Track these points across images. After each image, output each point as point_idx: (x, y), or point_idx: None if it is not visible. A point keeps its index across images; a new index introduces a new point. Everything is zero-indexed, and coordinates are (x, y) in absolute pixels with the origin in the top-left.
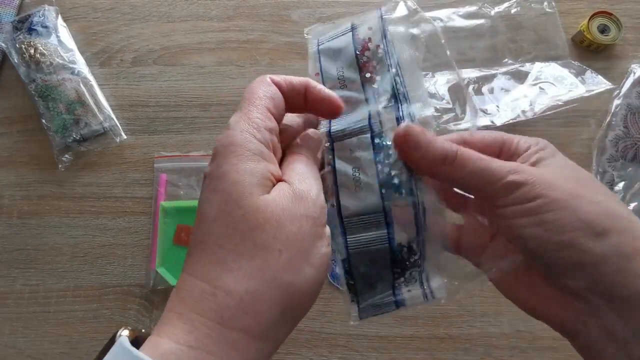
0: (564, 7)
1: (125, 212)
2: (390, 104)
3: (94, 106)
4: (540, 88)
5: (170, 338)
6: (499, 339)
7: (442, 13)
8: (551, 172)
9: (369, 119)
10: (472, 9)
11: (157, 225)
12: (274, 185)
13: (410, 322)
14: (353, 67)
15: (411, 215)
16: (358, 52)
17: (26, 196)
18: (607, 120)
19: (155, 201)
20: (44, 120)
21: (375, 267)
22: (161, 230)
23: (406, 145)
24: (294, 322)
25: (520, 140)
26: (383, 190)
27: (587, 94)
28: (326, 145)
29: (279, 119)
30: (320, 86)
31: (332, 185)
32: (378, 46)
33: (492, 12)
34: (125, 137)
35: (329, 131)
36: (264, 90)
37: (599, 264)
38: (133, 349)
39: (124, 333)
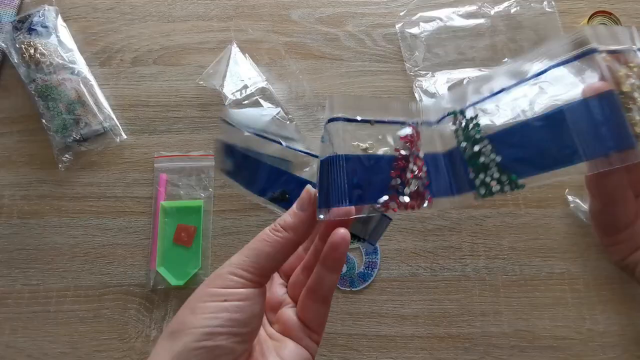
0: (563, 6)
1: (125, 212)
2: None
3: (94, 106)
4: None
5: None
6: (498, 338)
7: (442, 13)
8: None
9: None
10: (471, 8)
11: (157, 225)
12: None
13: (410, 321)
14: None
15: None
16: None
17: (26, 196)
18: None
19: (155, 201)
20: (44, 120)
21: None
22: (161, 230)
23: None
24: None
25: None
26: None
27: None
28: None
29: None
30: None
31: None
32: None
33: (492, 12)
34: (125, 137)
35: None
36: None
37: None
38: None
39: None
